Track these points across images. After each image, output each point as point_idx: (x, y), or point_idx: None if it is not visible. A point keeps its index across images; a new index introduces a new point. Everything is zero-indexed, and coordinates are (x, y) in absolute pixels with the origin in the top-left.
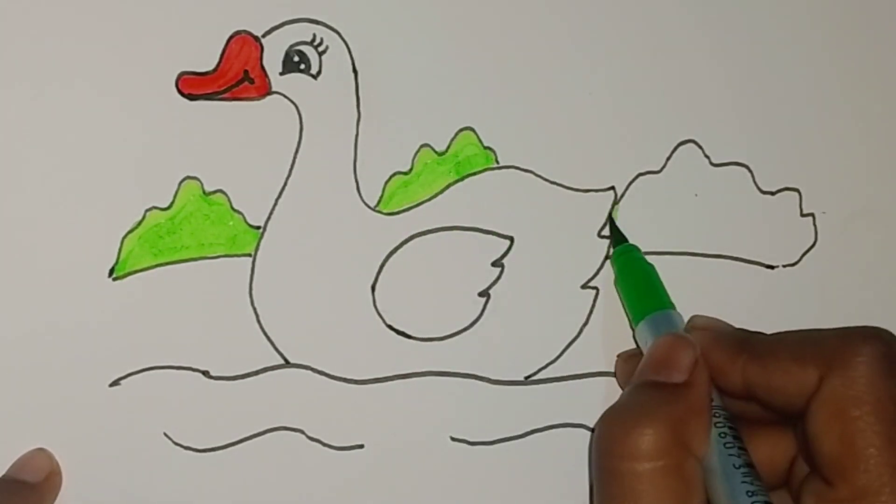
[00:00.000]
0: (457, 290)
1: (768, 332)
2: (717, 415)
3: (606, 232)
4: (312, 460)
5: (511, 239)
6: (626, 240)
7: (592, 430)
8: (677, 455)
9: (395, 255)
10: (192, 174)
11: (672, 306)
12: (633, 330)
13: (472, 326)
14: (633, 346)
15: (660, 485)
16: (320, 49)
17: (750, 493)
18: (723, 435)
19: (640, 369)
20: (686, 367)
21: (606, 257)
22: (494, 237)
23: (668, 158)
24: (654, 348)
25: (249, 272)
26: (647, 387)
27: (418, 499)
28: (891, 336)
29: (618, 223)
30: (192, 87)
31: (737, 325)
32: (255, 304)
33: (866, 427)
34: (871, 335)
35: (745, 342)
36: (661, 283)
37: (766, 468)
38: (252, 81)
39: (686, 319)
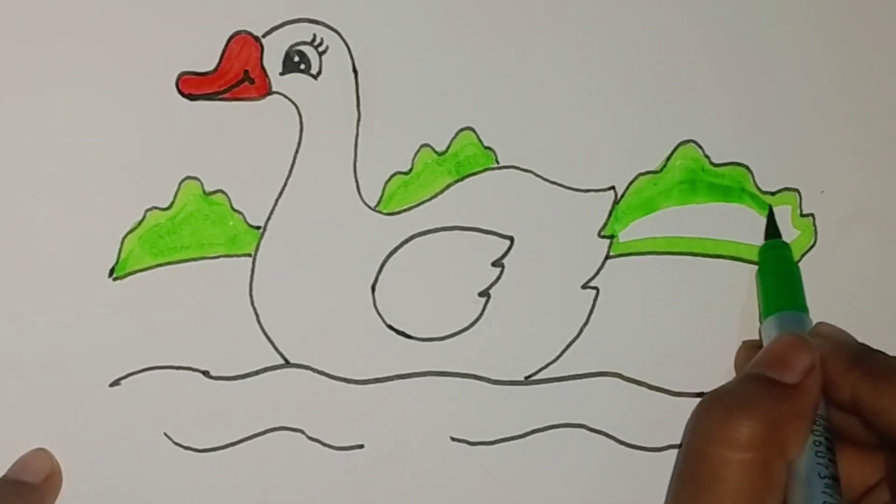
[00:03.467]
0: (457, 290)
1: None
2: (817, 423)
3: (606, 232)
4: (312, 460)
5: (511, 239)
6: (780, 235)
7: (596, 431)
8: (768, 453)
9: (395, 255)
10: (192, 174)
11: (806, 310)
12: (760, 323)
13: (472, 326)
14: (635, 345)
15: (743, 477)
16: (320, 49)
17: None
18: (817, 444)
19: (755, 361)
20: (801, 370)
21: (607, 257)
22: (494, 237)
23: (668, 158)
24: (773, 344)
25: (249, 272)
26: (757, 380)
27: (418, 499)
28: None
29: (614, 224)
30: (193, 87)
31: (737, 325)
32: (255, 304)
33: None
34: None
35: (863, 357)
36: (801, 285)
37: (847, 482)
38: (252, 81)
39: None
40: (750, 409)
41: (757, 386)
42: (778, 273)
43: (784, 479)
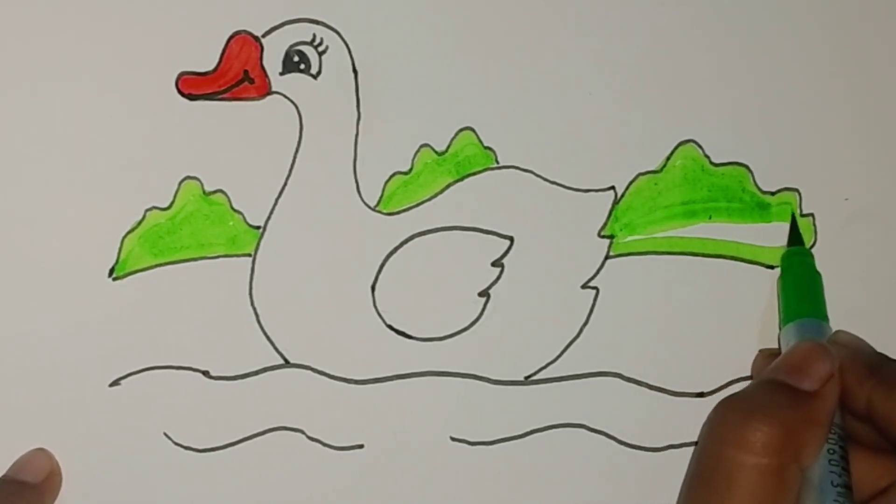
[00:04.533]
0: (457, 290)
1: (769, 331)
2: (832, 431)
3: (606, 232)
4: (312, 460)
5: (511, 239)
6: (803, 242)
7: (596, 431)
8: (783, 458)
9: (395, 255)
10: (192, 174)
11: (826, 319)
12: (779, 329)
13: (472, 326)
14: (635, 345)
15: (757, 481)
16: (320, 49)
17: None
18: (831, 451)
19: (774, 366)
20: (820, 378)
21: (606, 257)
22: (494, 237)
23: (668, 158)
24: (793, 351)
25: (249, 272)
26: (775, 385)
27: (418, 499)
28: None
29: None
30: (192, 87)
31: (736, 326)
32: (255, 304)
33: None
34: None
35: (879, 366)
36: (822, 293)
37: (865, 489)
38: (252, 81)
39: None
40: (767, 414)
41: (775, 391)
42: (800, 280)
43: (798, 486)
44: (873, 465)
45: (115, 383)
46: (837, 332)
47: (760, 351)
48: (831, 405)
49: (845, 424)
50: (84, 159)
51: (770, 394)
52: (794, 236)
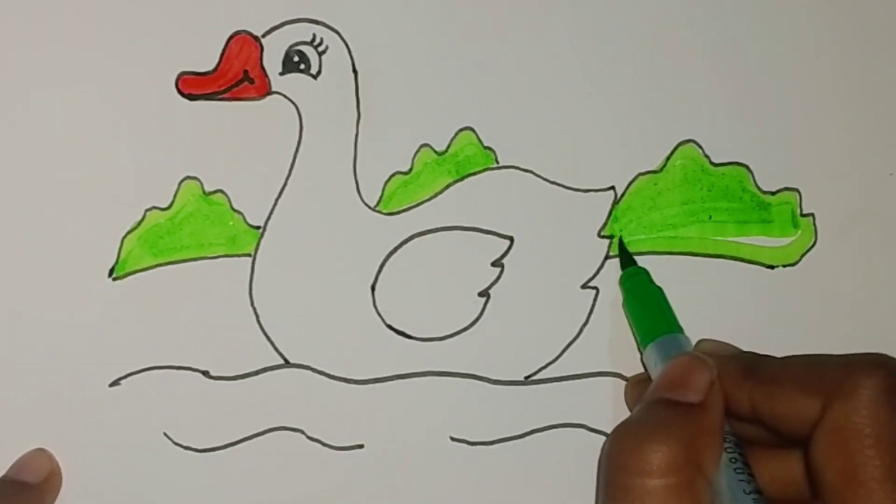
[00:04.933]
0: (457, 290)
1: (769, 331)
2: (726, 439)
3: (606, 232)
4: (312, 460)
5: (511, 239)
6: (634, 262)
7: (596, 431)
8: (689, 474)
9: (395, 255)
10: (192, 174)
11: (681, 330)
12: (640, 353)
13: (472, 326)
14: (634, 345)
15: (669, 502)
16: (320, 49)
17: None
18: (733, 460)
19: (654, 386)
20: (702, 388)
21: (606, 257)
22: (494, 237)
23: (668, 158)
24: (670, 367)
25: (249, 272)
26: (661, 404)
27: (418, 499)
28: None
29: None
30: (192, 87)
31: (737, 326)
32: (255, 304)
33: (867, 460)
34: (875, 364)
35: (753, 367)
36: (669, 306)
37: (772, 490)
38: (252, 81)
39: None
40: (662, 434)
41: (664, 410)
42: (644, 300)
43: (709, 499)
44: (775, 463)
45: (115, 383)
46: (701, 341)
47: (629, 379)
48: (719, 412)
49: (736, 431)
50: (84, 159)
51: (659, 413)
52: (625, 258)
